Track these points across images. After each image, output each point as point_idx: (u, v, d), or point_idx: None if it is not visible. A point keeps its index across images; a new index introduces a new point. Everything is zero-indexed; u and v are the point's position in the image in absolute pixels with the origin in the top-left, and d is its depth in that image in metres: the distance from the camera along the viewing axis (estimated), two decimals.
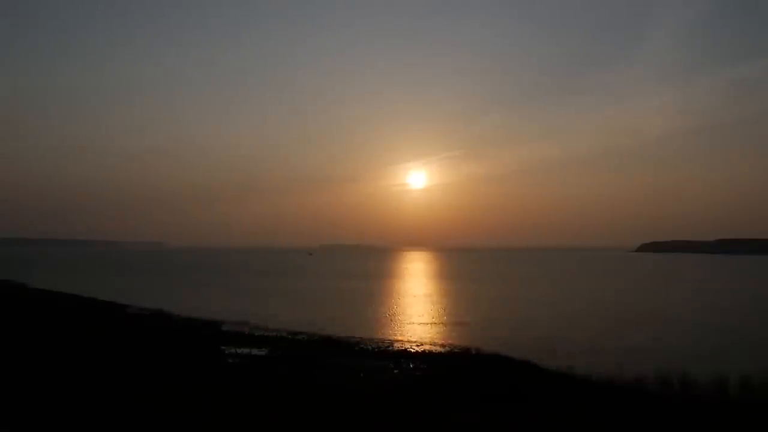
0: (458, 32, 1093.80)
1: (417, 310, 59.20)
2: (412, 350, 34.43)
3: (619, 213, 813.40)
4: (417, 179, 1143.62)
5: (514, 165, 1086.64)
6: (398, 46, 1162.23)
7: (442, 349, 35.11)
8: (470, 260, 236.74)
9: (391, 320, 50.54)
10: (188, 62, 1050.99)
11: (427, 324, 48.28)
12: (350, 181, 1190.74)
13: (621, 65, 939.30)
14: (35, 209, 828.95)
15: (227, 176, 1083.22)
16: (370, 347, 34.79)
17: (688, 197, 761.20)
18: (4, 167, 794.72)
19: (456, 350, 34.62)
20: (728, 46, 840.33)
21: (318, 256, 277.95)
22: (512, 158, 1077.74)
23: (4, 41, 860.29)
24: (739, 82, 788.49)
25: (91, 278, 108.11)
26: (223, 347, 31.42)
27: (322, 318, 50.22)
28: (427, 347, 35.93)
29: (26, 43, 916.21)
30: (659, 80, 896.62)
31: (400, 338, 40.06)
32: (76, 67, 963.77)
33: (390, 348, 35.05)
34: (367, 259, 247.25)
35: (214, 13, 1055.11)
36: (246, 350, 30.99)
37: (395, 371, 26.14)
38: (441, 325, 47.86)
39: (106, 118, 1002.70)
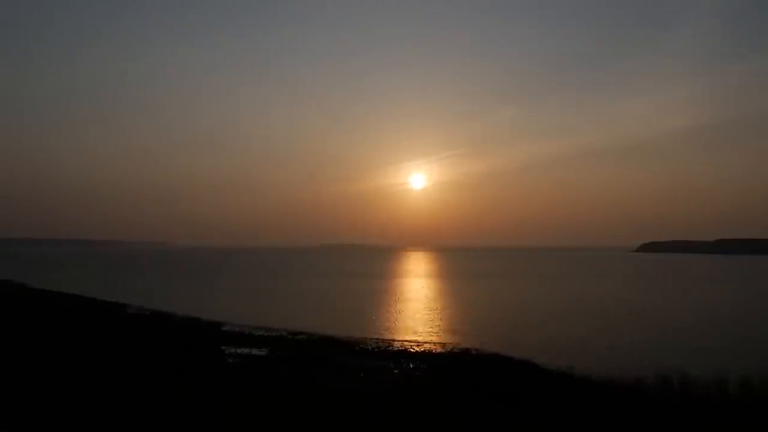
0: (467, 24, 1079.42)
1: (417, 310, 59.19)
2: (412, 350, 34.43)
3: (619, 213, 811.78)
4: (421, 178, 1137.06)
5: (518, 162, 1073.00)
6: (404, 44, 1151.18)
7: (442, 349, 35.11)
8: (470, 260, 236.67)
9: (391, 320, 50.54)
10: (193, 63, 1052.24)
11: (427, 324, 48.28)
12: (354, 180, 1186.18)
13: (631, 60, 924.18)
14: (35, 209, 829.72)
15: (230, 176, 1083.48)
16: (370, 347, 34.78)
17: (688, 197, 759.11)
18: (5, 167, 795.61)
19: (456, 350, 34.62)
20: (729, 44, 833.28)
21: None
22: (518, 155, 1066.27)
23: (5, 41, 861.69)
24: (737, 81, 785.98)
25: (92, 278, 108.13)
26: (223, 347, 31.44)
27: (322, 318, 50.23)
28: (427, 347, 35.93)
29: (27, 42, 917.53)
30: (660, 79, 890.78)
31: (400, 338, 40.05)
32: (78, 67, 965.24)
33: (390, 348, 35.05)
34: (369, 259, 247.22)
35: (220, 13, 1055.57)
36: (246, 350, 31.01)
37: (395, 371, 26.14)
38: (441, 325, 47.85)
39: (106, 118, 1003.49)
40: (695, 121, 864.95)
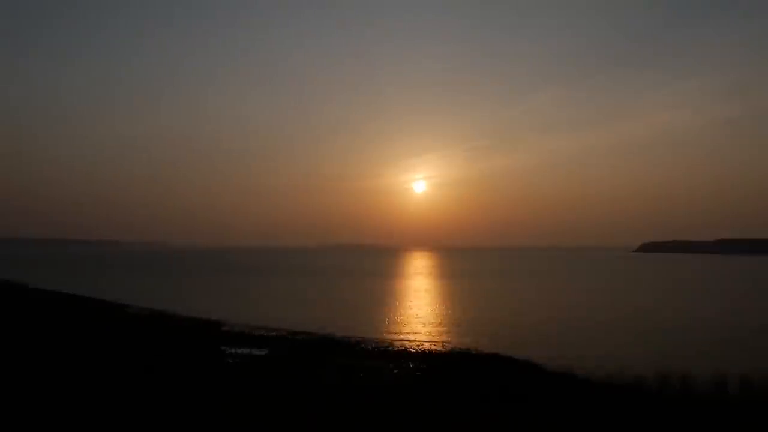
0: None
1: (417, 310, 59.19)
2: (412, 350, 34.42)
3: (619, 212, 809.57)
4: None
5: (540, 159, 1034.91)
6: (418, 21, 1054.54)
7: (442, 349, 35.10)
8: (472, 260, 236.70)
9: (391, 320, 50.54)
10: (192, 62, 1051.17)
11: (427, 324, 48.28)
12: (358, 178, 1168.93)
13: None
14: (35, 209, 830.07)
15: (229, 175, 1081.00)
16: (370, 347, 34.78)
17: (688, 196, 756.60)
18: (5, 167, 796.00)
19: (456, 350, 34.62)
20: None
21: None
22: (538, 150, 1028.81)
23: (4, 40, 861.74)
24: (741, 77, 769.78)
25: (92, 278, 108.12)
26: (223, 347, 31.42)
27: (322, 318, 50.21)
28: (427, 347, 35.92)
29: (27, 42, 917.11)
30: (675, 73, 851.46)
31: (400, 338, 40.06)
32: (76, 66, 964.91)
33: (390, 348, 35.05)
34: (370, 259, 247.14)
35: (225, 10, 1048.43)
36: (246, 350, 30.99)
37: (395, 371, 26.13)
38: (441, 325, 47.85)
39: (104, 118, 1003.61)
40: (698, 119, 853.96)
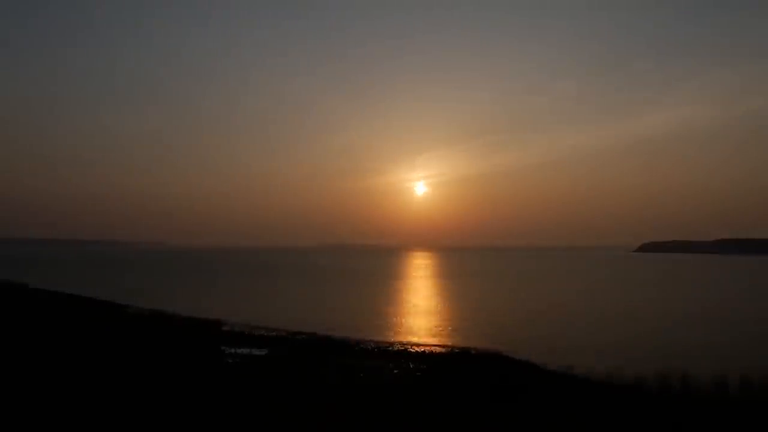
0: None
1: (417, 309, 59.19)
2: (412, 350, 34.44)
3: (619, 212, 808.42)
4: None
5: (552, 155, 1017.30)
6: (430, 10, 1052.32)
7: (442, 349, 35.11)
8: (472, 260, 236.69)
9: (392, 320, 50.54)
10: (191, 63, 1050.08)
11: (427, 324, 48.29)
12: (361, 177, 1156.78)
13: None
14: (35, 209, 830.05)
15: (230, 175, 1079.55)
16: (370, 347, 34.79)
17: (688, 196, 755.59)
18: (6, 167, 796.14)
19: (456, 350, 34.63)
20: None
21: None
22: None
23: (5, 40, 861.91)
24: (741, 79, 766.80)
25: (92, 278, 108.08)
26: (223, 347, 31.42)
27: (322, 318, 50.21)
28: (427, 347, 35.93)
29: (31, 42, 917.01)
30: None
31: (400, 338, 40.07)
32: (75, 66, 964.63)
33: (390, 348, 35.06)
34: (372, 260, 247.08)
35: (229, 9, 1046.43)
36: (246, 350, 30.99)
37: (395, 371, 26.13)
38: (441, 325, 47.85)
39: (103, 117, 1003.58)
40: (697, 119, 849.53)
